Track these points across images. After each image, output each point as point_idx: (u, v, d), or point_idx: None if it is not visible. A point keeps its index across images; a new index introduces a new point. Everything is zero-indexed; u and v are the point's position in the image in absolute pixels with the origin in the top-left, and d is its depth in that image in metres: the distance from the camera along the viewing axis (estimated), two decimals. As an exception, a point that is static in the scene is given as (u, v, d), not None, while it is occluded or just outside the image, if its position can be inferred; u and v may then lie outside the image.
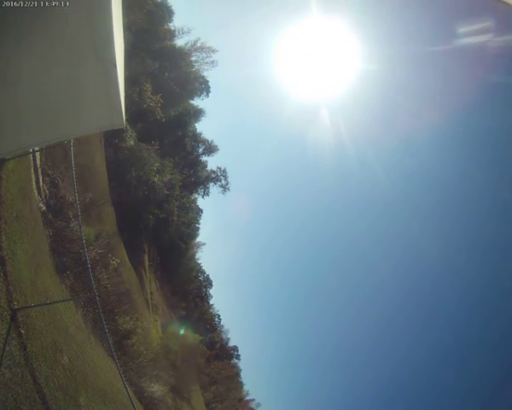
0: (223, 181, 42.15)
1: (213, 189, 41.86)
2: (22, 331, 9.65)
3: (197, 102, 39.51)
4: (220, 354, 48.99)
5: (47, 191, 15.01)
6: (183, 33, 35.88)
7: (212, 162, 42.43)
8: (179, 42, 36.18)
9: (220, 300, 54.19)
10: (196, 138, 40.78)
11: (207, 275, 52.63)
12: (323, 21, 43.29)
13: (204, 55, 36.90)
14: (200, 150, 41.72)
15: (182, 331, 35.33)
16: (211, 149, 41.57)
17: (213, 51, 36.89)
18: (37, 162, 14.21)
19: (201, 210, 46.20)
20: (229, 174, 42.49)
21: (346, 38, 46.05)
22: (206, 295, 53.11)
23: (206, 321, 50.18)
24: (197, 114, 39.15)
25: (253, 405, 47.58)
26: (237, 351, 52.66)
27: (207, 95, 39.14)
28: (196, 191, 41.59)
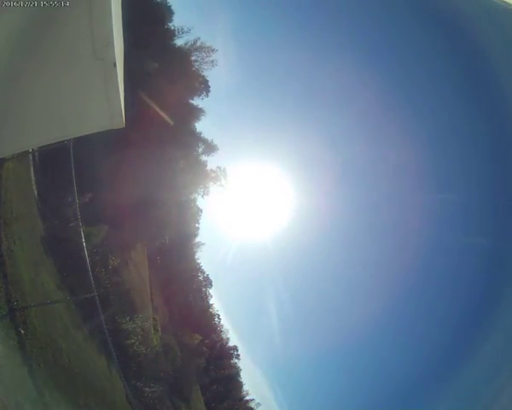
0: (222, 181, 42.01)
1: (213, 188, 41.76)
2: (22, 331, 9.64)
3: (197, 101, 39.48)
4: (220, 354, 48.96)
5: (47, 191, 14.99)
6: (182, 33, 35.85)
7: (211, 162, 42.28)
8: (179, 41, 36.16)
9: (220, 299, 54.01)
10: (196, 138, 40.75)
11: (207, 275, 52.55)
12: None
13: (204, 54, 36.88)
14: (200, 150, 41.63)
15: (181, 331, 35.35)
16: (210, 148, 41.49)
17: (213, 51, 36.86)
18: (37, 162, 14.21)
19: (201, 210, 46.12)
20: (228, 174, 42.43)
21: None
22: (205, 294, 53.06)
23: (205, 321, 50.17)
24: (197, 113, 39.13)
25: (252, 405, 47.54)
26: (237, 351, 52.59)
27: (207, 94, 39.14)
28: (196, 191, 41.50)
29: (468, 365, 34.62)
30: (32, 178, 13.76)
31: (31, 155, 13.30)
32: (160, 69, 31.02)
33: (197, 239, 49.63)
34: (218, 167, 42.34)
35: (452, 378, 35.31)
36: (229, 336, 53.24)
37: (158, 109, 28.66)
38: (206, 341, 44.55)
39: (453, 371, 35.52)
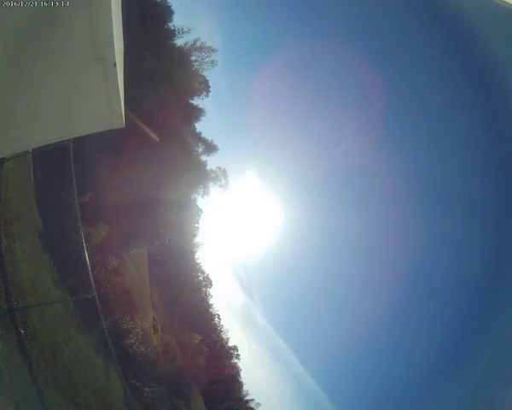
0: (222, 181, 42.05)
1: (213, 188, 41.83)
2: (22, 331, 9.64)
3: (197, 101, 39.55)
4: (220, 354, 48.99)
5: (47, 191, 14.99)
6: (182, 33, 35.87)
7: (211, 162, 42.36)
8: (179, 42, 36.19)
9: (220, 298, 54.01)
10: (196, 138, 40.80)
11: (207, 275, 52.57)
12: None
13: (204, 54, 36.91)
14: (200, 150, 41.68)
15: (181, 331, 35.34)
16: (210, 148, 41.53)
17: (213, 51, 36.89)
18: (37, 162, 14.21)
19: (201, 210, 46.17)
20: (228, 174, 42.44)
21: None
22: (205, 294, 53.09)
23: (205, 321, 50.21)
24: (197, 113, 39.17)
25: (252, 405, 47.54)
26: (237, 351, 52.61)
27: (207, 95, 39.19)
28: (196, 191, 41.55)
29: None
30: (32, 177, 13.76)
31: (31, 155, 13.30)
32: (160, 69, 31.06)
33: (197, 239, 49.66)
34: (218, 167, 42.38)
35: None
36: (229, 335, 53.24)
37: (157, 109, 28.67)
38: (206, 341, 44.57)
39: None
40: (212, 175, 42.44)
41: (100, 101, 3.67)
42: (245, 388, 49.93)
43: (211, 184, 42.39)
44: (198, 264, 52.79)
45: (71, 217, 15.31)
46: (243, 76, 45.18)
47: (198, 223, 47.81)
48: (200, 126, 41.62)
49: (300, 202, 45.84)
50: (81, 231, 13.65)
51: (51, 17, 3.23)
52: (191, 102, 38.94)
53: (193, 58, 36.88)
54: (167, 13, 34.05)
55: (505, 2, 8.49)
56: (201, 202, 45.07)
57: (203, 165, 42.21)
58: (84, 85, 3.60)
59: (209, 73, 38.68)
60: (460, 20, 29.29)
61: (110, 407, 14.66)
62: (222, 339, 53.20)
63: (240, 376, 51.25)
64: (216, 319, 55.00)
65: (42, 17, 3.22)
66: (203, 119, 40.82)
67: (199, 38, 36.47)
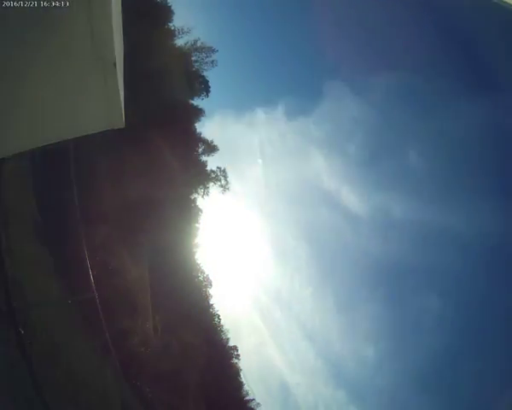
0: (222, 181, 42.04)
1: (213, 189, 41.84)
2: (22, 331, 9.63)
3: (197, 102, 39.55)
4: (220, 354, 48.99)
5: (47, 191, 14.99)
6: (182, 33, 35.88)
7: (211, 162, 42.37)
8: (179, 42, 36.21)
9: (220, 298, 54.05)
10: (196, 138, 40.79)
11: (207, 275, 52.54)
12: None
13: (204, 54, 36.94)
14: (200, 150, 41.68)
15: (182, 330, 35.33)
16: (210, 148, 41.52)
17: (213, 51, 36.90)
18: (37, 162, 14.21)
19: (201, 210, 46.14)
20: (228, 174, 42.43)
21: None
22: (206, 294, 53.07)
23: (205, 321, 50.18)
24: (197, 113, 39.16)
25: (252, 405, 47.53)
26: (237, 351, 52.60)
27: (207, 95, 39.21)
28: (196, 191, 41.54)
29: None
30: (32, 177, 13.76)
31: (31, 155, 13.30)
32: (160, 69, 31.05)
33: (197, 239, 49.61)
34: (218, 168, 42.36)
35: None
36: (229, 335, 53.21)
37: (158, 110, 28.66)
38: (207, 341, 44.55)
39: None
40: (212, 175, 42.43)
41: (100, 101, 3.67)
42: (245, 388, 49.97)
43: (211, 184, 42.38)
44: (198, 264, 52.78)
45: (71, 217, 15.31)
46: (243, 76, 45.19)
47: (198, 223, 47.84)
48: (200, 126, 41.66)
49: (300, 201, 45.82)
50: (81, 231, 13.65)
51: (51, 17, 3.23)
52: (191, 102, 38.98)
53: (193, 58, 36.92)
54: (167, 13, 34.06)
55: (505, 2, 8.50)
56: (201, 202, 45.07)
57: (203, 165, 42.22)
58: (84, 85, 3.60)
59: (209, 73, 38.79)
60: (460, 21, 29.30)
61: (110, 407, 14.66)
62: (222, 339, 53.18)
63: (240, 376, 51.25)
64: (216, 319, 54.98)
65: (42, 17, 3.22)
66: (203, 119, 40.91)
67: (199, 38, 36.53)
